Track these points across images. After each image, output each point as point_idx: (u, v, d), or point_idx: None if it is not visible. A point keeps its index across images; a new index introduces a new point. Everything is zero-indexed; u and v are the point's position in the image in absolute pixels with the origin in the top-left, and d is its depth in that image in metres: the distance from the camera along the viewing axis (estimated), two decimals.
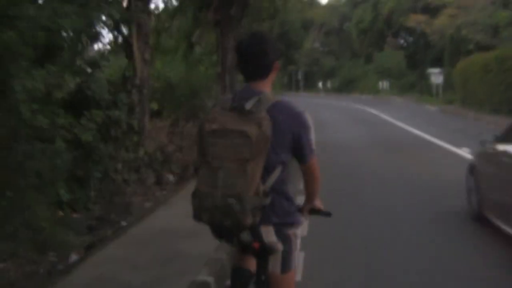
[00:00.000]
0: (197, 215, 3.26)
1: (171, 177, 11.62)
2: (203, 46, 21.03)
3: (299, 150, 3.34)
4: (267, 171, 3.19)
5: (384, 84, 58.87)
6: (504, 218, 6.94)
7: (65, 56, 8.09)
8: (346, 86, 68.62)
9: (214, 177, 3.12)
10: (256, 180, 3.09)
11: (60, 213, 8.28)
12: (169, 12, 18.41)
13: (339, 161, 14.33)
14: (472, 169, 8.64)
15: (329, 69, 75.23)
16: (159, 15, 18.66)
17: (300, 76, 77.79)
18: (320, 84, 74.74)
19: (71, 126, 8.54)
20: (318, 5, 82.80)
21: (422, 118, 27.41)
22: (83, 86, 9.26)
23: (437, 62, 52.11)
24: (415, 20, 51.88)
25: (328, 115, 29.36)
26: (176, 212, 8.89)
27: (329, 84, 73.60)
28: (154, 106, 13.40)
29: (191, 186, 10.77)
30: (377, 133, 21.84)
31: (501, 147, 7.61)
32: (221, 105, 3.32)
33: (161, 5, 23.33)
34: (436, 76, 47.36)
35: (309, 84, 76.76)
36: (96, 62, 9.24)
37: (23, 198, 6.70)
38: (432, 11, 52.02)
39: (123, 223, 8.59)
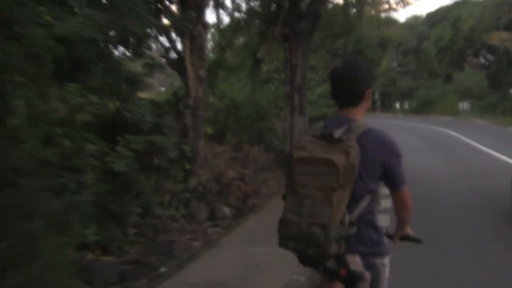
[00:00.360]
0: (283, 243, 3.19)
1: (227, 211, 10.23)
2: (271, 63, 19.67)
3: (390, 179, 3.35)
4: (355, 200, 3.18)
5: (464, 105, 56.46)
6: None
7: (95, 72, 6.77)
8: (424, 107, 66.36)
9: (300, 205, 3.10)
10: (342, 209, 3.06)
11: (89, 256, 7.07)
12: (233, 26, 16.98)
13: (418, 190, 12.58)
14: None
15: (407, 89, 72.82)
16: (223, 31, 17.31)
17: (376, 96, 75.57)
18: (397, 105, 72.51)
19: (103, 154, 7.23)
20: (395, 23, 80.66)
21: (507, 142, 25.20)
22: (121, 108, 7.95)
23: None
24: (499, 37, 49.03)
25: (407, 138, 27.49)
26: (225, 259, 7.67)
27: (406, 105, 71.35)
28: (209, 130, 12.05)
29: (249, 222, 9.32)
30: (458, 159, 20.01)
31: None
32: (311, 132, 3.34)
33: (226, 19, 21.61)
34: None
35: (386, 105, 74.42)
36: (136, 79, 7.89)
37: (31, 244, 5.37)
38: None
39: (162, 269, 7.27)
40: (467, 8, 64.84)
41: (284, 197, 3.25)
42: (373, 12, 24.82)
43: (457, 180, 14.78)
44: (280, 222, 3.19)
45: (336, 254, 3.08)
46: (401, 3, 24.89)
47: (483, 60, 63.33)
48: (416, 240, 3.68)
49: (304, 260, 3.33)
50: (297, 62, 15.67)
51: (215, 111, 15.27)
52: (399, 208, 3.50)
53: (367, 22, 25.60)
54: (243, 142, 14.55)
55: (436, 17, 76.12)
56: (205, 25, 10.76)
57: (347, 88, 3.36)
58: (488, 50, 58.71)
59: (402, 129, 34.45)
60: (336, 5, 20.85)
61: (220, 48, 16.96)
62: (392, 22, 79.68)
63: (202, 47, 10.49)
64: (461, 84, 60.74)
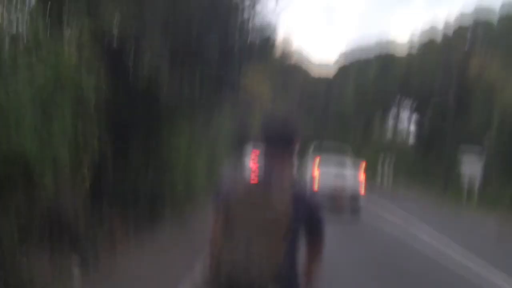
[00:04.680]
0: (217, 274, 3.28)
1: None
2: None
3: (315, 224, 3.48)
4: (284, 247, 3.27)
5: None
6: None
7: None
8: None
9: (236, 246, 3.21)
10: (278, 252, 3.18)
11: None
12: None
13: None
14: None
15: None
16: None
17: None
18: None
19: None
20: None
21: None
22: None
23: (471, 138, 33.27)
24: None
25: None
26: None
27: None
28: None
29: None
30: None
31: None
32: (246, 178, 3.41)
33: None
34: (470, 162, 29.76)
35: None
36: None
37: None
38: None
39: None
40: None
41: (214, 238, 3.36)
42: None
43: None
44: (213, 260, 3.30)
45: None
46: None
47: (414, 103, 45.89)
48: None
49: None
50: None
51: None
52: (315, 255, 3.54)
53: None
54: None
55: None
56: None
57: (282, 131, 3.44)
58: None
59: None
60: None
61: None
62: None
63: None
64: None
